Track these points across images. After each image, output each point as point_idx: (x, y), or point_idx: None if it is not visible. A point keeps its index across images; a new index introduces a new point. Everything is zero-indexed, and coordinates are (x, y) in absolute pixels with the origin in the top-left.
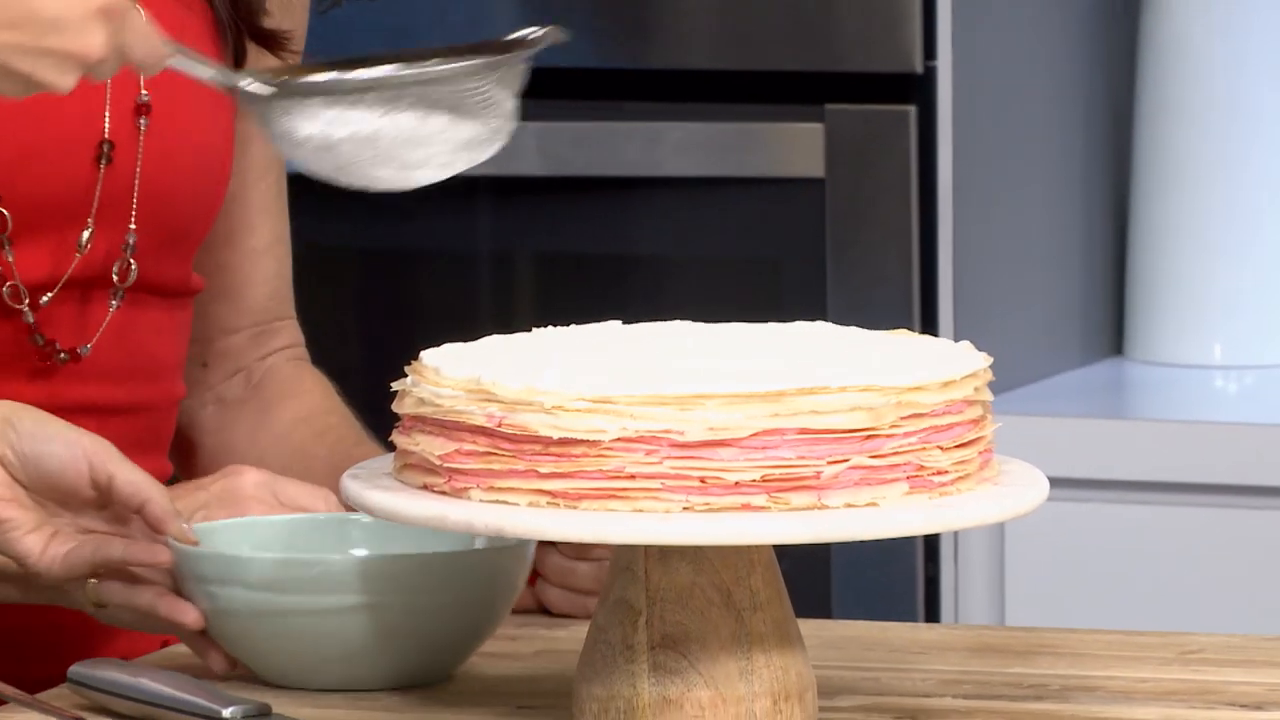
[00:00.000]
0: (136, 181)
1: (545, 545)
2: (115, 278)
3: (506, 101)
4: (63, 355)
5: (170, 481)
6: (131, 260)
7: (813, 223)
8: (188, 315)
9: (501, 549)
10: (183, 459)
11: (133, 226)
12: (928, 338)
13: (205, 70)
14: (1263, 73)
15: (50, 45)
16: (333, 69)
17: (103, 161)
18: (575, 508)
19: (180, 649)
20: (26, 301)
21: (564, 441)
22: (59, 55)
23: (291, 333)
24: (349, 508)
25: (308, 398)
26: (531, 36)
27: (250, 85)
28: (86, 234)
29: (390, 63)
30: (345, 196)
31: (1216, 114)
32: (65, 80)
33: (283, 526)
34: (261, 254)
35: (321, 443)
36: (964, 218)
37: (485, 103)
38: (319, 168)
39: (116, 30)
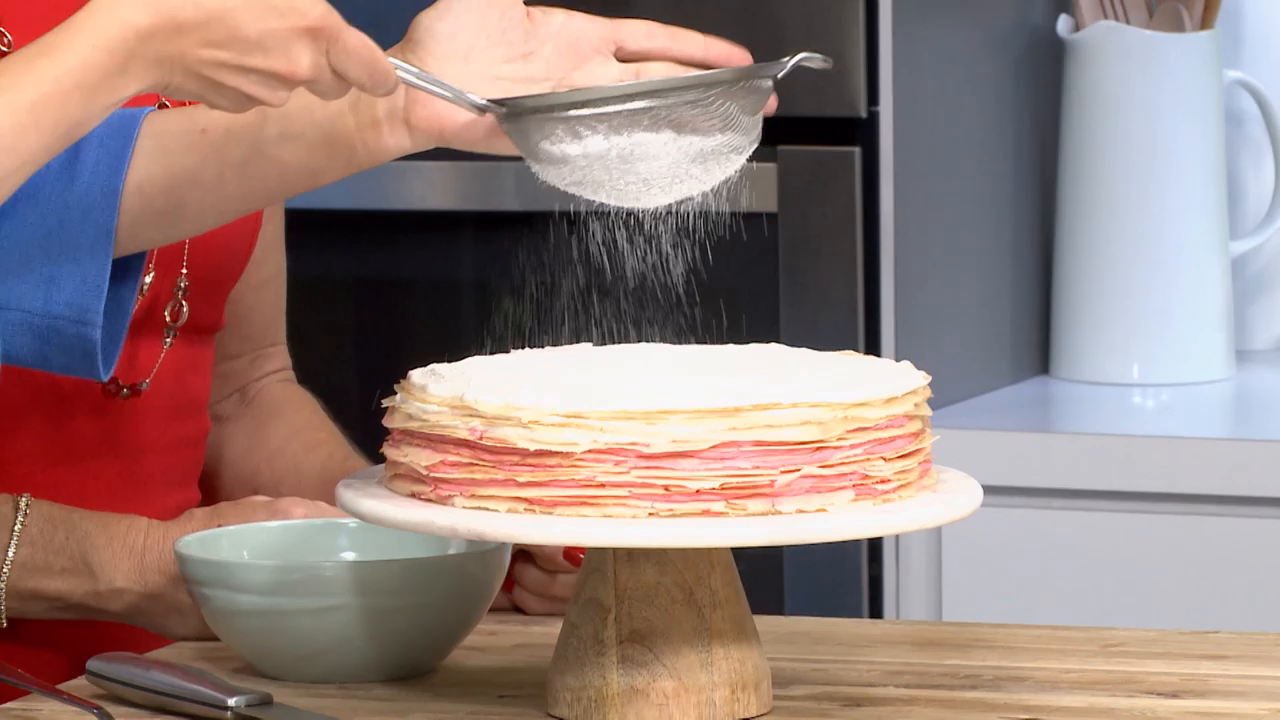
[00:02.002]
0: None
1: (524, 560)
2: (168, 317)
3: (746, 120)
4: (125, 391)
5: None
6: (183, 301)
7: (767, 253)
8: (212, 351)
9: (481, 553)
10: None
11: (184, 270)
12: (871, 358)
13: (438, 90)
14: (1176, 116)
15: (254, 64)
16: (569, 89)
17: None
18: (550, 514)
19: (187, 645)
20: None
21: (540, 453)
22: (264, 74)
23: (283, 357)
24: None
25: (297, 415)
26: (785, 60)
27: (481, 104)
28: (148, 278)
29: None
30: (339, 232)
31: (1134, 157)
32: (275, 96)
33: (279, 532)
34: (264, 287)
35: (313, 457)
36: (904, 248)
37: (725, 121)
38: (557, 181)
39: (324, 51)
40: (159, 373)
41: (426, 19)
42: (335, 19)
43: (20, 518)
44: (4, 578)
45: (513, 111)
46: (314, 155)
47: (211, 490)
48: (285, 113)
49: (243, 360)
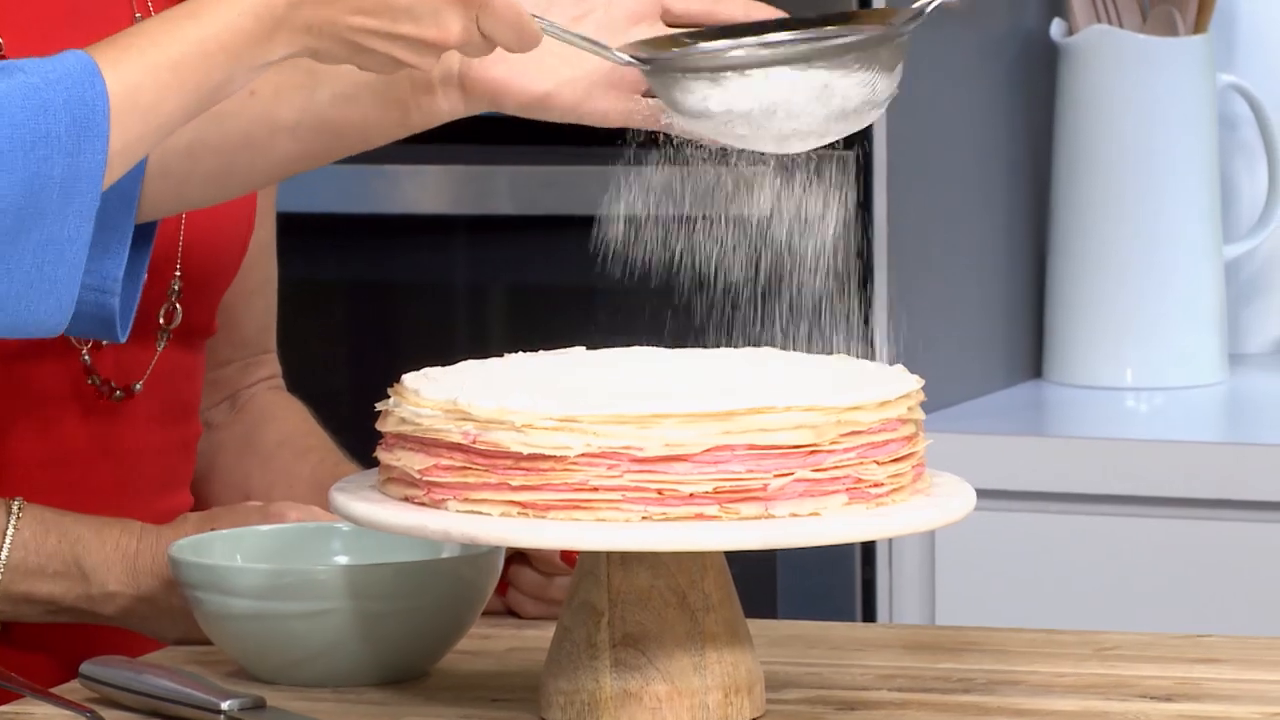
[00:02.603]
0: (181, 230)
1: (519, 562)
2: (161, 320)
3: (884, 75)
4: (118, 393)
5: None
6: (176, 304)
7: (760, 255)
8: (204, 355)
9: (473, 557)
10: None
11: (178, 273)
12: (865, 362)
13: (584, 45)
14: (1170, 120)
15: (405, 32)
16: (708, 40)
17: None
18: (544, 518)
19: (180, 648)
20: (89, 344)
21: (533, 457)
22: (413, 40)
23: (273, 364)
24: None
25: (287, 422)
26: (916, 7)
27: (626, 59)
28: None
29: (769, 32)
30: (332, 236)
31: (1127, 161)
32: (424, 62)
33: (272, 536)
34: (255, 294)
35: (304, 463)
36: (898, 253)
37: (864, 77)
38: (697, 130)
39: (475, 16)
40: (151, 376)
41: None
42: None
43: (13, 521)
44: None
45: (656, 68)
46: (367, 117)
47: (203, 496)
48: (338, 73)
49: (233, 367)
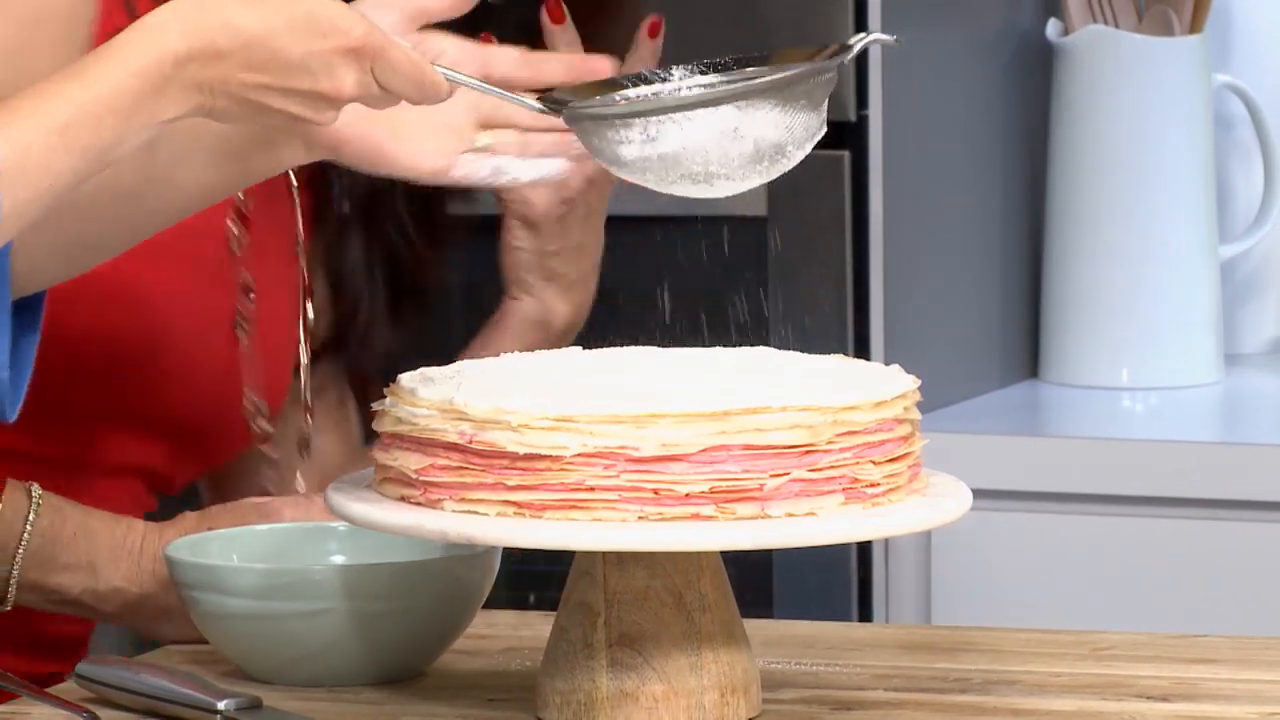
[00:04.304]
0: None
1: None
2: None
3: (808, 111)
4: None
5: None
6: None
7: (757, 257)
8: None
9: (470, 556)
10: None
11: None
12: (861, 361)
13: (495, 93)
14: (1165, 120)
15: (299, 86)
16: (623, 88)
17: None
18: (540, 517)
19: (177, 648)
20: None
21: (529, 457)
22: (309, 95)
23: None
24: None
25: None
26: (849, 42)
27: (540, 107)
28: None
29: (696, 76)
30: None
31: (1123, 161)
32: (322, 117)
33: (269, 536)
34: None
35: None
36: (893, 252)
37: (789, 115)
38: (623, 175)
39: (369, 69)
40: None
41: None
42: (378, 37)
43: (34, 508)
44: (18, 565)
45: (570, 115)
46: (207, 173)
47: None
48: (173, 133)
49: None
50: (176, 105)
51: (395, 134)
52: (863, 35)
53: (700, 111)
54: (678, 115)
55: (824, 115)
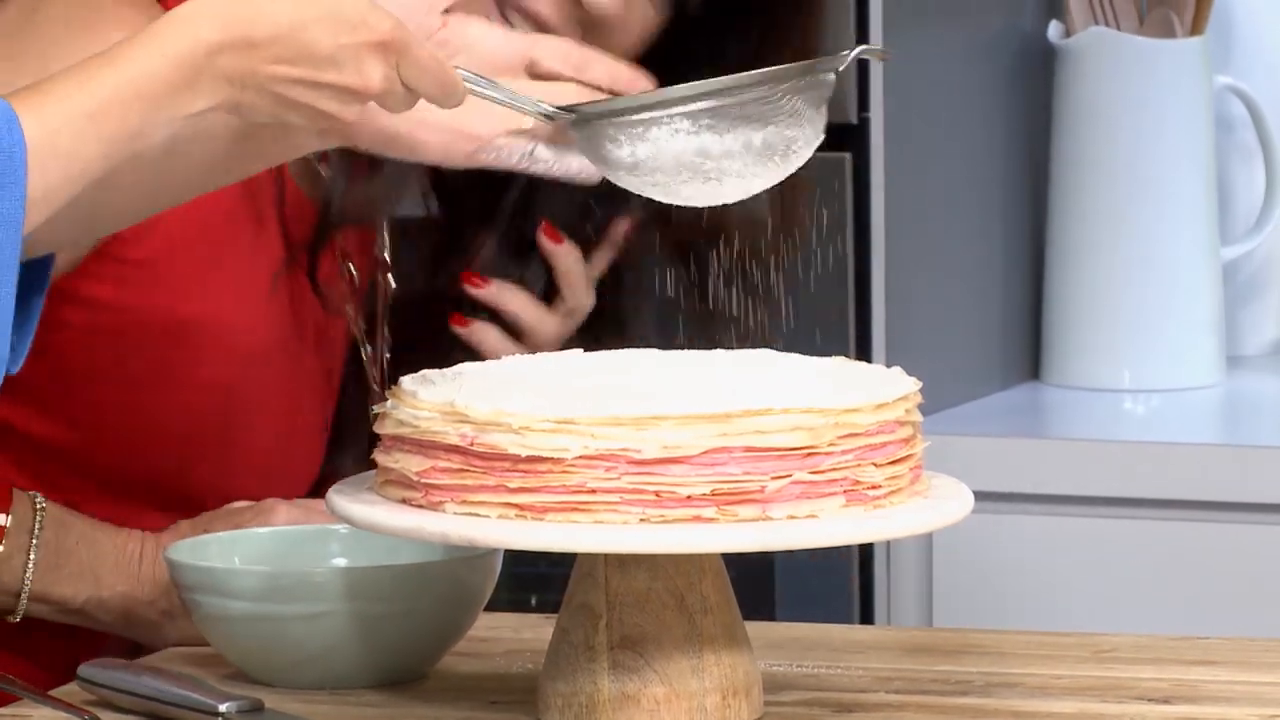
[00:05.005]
0: None
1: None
2: None
3: (809, 116)
4: None
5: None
6: None
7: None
8: None
9: (471, 559)
10: None
11: None
12: (862, 364)
13: (507, 99)
14: (1167, 121)
15: (327, 80)
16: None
17: None
18: (541, 520)
19: (178, 650)
20: None
21: (531, 459)
22: (337, 89)
23: None
24: None
25: None
26: (842, 53)
27: (550, 111)
28: None
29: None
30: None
31: (1124, 163)
32: (347, 111)
33: (270, 538)
34: None
35: None
36: (895, 254)
37: (791, 118)
38: (627, 184)
39: (395, 65)
40: None
41: None
42: (405, 33)
43: (39, 518)
44: (29, 579)
45: (580, 119)
46: (228, 152)
47: None
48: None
49: None
50: (207, 97)
51: (410, 117)
52: (859, 48)
53: (704, 107)
54: (682, 111)
55: (824, 120)
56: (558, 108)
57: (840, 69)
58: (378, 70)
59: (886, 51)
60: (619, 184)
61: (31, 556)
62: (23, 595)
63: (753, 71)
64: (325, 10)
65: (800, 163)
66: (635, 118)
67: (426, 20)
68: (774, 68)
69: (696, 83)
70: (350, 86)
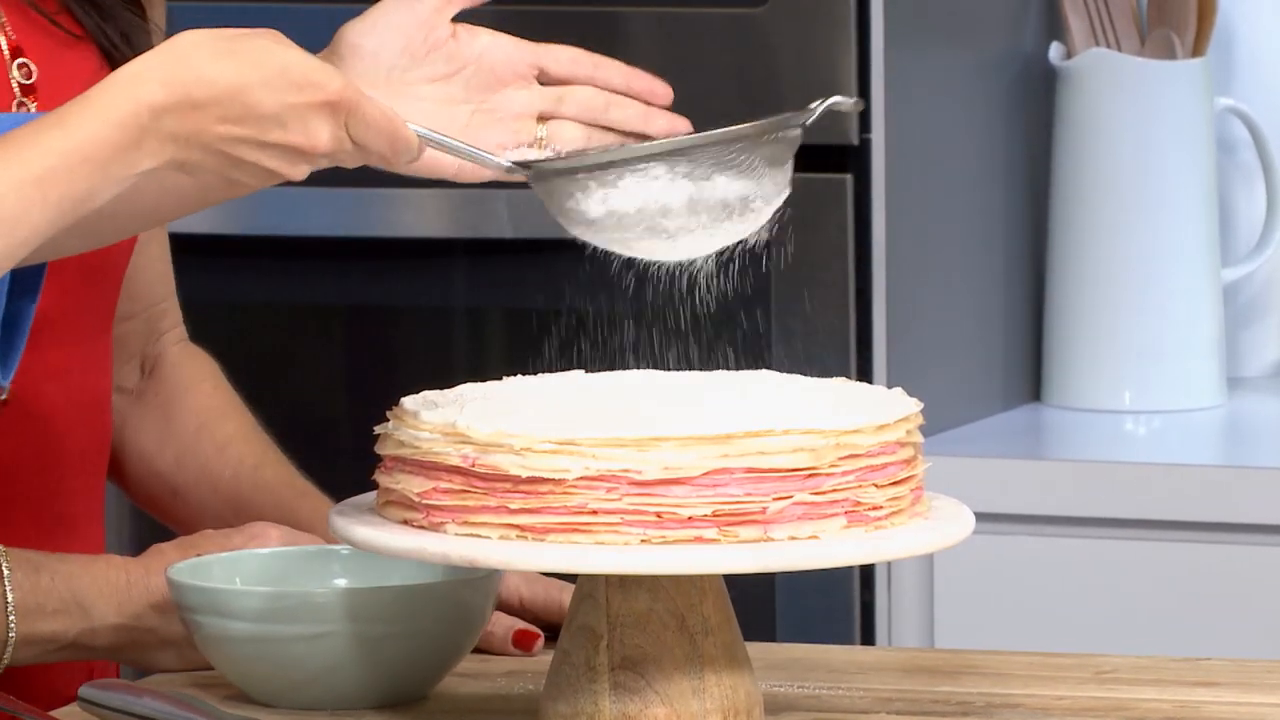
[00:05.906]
0: None
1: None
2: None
3: (769, 173)
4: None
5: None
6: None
7: (759, 280)
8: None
9: (473, 580)
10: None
11: None
12: (864, 385)
13: (465, 152)
14: (1168, 143)
15: (273, 139)
16: (592, 149)
17: None
18: (542, 541)
19: (179, 675)
20: None
21: (532, 480)
22: (283, 148)
23: (175, 312)
24: None
25: (200, 394)
26: (811, 106)
27: (507, 165)
28: None
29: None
30: (332, 259)
31: (1125, 184)
32: (295, 171)
33: (271, 559)
34: (148, 241)
35: (223, 461)
36: (896, 275)
37: (753, 174)
38: (588, 238)
39: (344, 124)
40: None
41: (352, 34)
42: (354, 91)
43: (5, 563)
44: (12, 622)
45: (538, 173)
46: (211, 181)
47: (119, 474)
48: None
49: (137, 321)
50: (153, 157)
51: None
52: (827, 101)
53: (665, 163)
54: (643, 167)
55: (790, 175)
56: (515, 163)
57: (808, 123)
58: (325, 129)
59: (859, 102)
60: (580, 238)
61: (9, 600)
62: (8, 643)
63: (712, 131)
64: (271, 71)
65: (762, 220)
66: (592, 175)
67: (434, 32)
68: (736, 127)
69: (656, 141)
70: (296, 146)
